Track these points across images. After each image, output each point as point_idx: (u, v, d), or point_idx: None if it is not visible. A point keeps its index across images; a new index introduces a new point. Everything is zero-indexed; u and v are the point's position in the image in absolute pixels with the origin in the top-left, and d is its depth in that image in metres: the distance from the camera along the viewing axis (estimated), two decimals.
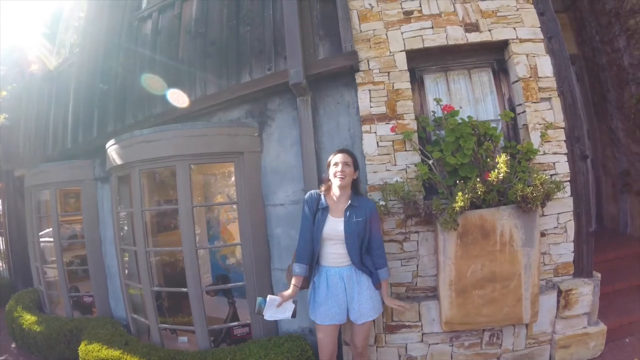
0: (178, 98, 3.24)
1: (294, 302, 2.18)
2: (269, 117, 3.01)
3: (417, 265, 2.66)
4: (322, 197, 2.24)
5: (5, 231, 6.34)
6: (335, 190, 2.22)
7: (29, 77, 5.40)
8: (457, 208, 2.25)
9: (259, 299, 2.12)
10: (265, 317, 2.12)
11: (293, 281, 2.19)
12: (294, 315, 2.15)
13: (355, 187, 2.27)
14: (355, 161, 2.23)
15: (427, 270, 2.66)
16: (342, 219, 2.18)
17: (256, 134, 3.00)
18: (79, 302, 4.26)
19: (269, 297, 2.12)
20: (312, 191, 2.31)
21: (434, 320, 2.60)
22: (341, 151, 2.23)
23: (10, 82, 5.95)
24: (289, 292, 2.16)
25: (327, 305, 2.18)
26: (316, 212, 2.21)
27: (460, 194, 2.24)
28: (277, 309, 2.10)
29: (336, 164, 2.17)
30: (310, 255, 2.21)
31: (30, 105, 5.49)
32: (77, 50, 4.64)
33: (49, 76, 5.04)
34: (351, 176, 2.19)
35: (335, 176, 2.16)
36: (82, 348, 3.13)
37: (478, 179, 2.31)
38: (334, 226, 2.18)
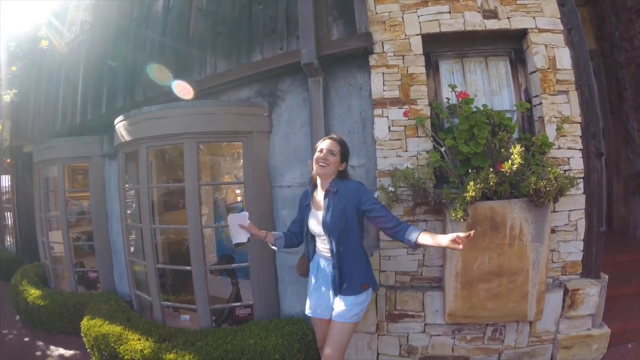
0: (188, 76, 3.20)
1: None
2: (279, 98, 2.97)
3: (423, 255, 2.62)
4: (309, 191, 2.16)
5: (13, 206, 6.43)
6: (318, 180, 2.08)
7: (39, 53, 5.39)
8: (468, 198, 2.20)
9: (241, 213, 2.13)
10: (228, 220, 2.12)
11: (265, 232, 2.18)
12: (248, 240, 2.13)
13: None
14: (343, 151, 2.02)
15: (433, 260, 2.62)
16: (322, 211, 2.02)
17: (265, 114, 2.97)
18: (84, 277, 4.31)
19: (244, 213, 2.12)
20: (308, 187, 2.23)
21: (437, 311, 2.57)
22: (330, 138, 2.04)
23: (20, 57, 5.95)
24: (254, 228, 2.13)
25: (314, 296, 2.13)
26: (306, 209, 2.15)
27: (472, 183, 2.19)
28: (239, 227, 2.09)
29: (320, 150, 1.98)
30: (296, 238, 2.22)
31: (40, 81, 5.51)
32: (87, 27, 4.62)
33: (59, 53, 5.03)
34: (335, 166, 1.98)
35: (316, 162, 1.98)
36: (85, 323, 3.17)
37: (491, 169, 2.25)
38: (316, 219, 2.05)
